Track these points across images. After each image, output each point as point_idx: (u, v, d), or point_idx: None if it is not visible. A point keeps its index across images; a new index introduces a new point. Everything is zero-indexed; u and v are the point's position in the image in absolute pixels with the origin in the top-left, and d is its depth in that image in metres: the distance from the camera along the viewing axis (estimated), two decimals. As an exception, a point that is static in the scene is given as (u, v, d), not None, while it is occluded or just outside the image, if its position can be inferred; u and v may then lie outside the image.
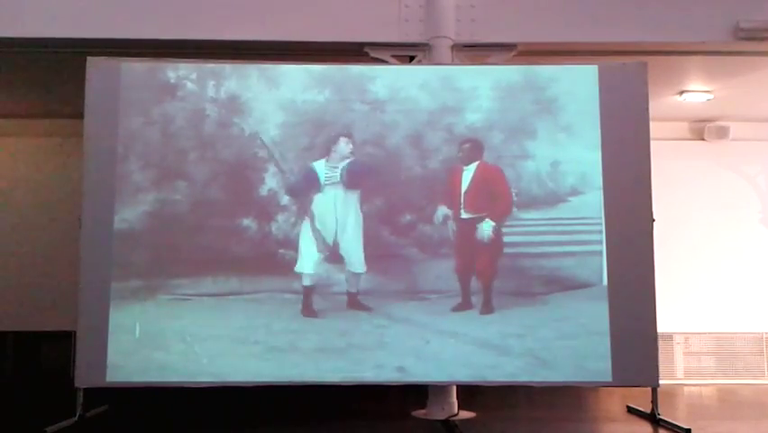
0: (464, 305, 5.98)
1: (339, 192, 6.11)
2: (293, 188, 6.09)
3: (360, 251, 6.05)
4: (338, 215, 6.09)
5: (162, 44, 6.33)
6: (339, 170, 6.10)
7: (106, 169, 6.02)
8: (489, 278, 6.02)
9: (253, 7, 6.39)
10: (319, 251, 6.05)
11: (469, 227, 6.10)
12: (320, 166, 6.12)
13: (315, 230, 6.07)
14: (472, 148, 6.15)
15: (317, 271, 6.02)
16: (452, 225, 6.08)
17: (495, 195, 6.13)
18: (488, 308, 5.97)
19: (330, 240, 6.07)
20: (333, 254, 6.05)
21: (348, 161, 6.11)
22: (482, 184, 6.13)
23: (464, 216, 6.11)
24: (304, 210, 6.08)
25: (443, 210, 6.08)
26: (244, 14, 6.37)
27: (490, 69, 6.32)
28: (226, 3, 6.40)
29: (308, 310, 5.95)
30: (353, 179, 6.10)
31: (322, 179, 6.10)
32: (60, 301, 7.94)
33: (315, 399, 6.64)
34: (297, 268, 6.01)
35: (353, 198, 6.10)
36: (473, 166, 6.14)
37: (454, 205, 6.11)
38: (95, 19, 6.29)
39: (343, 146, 6.12)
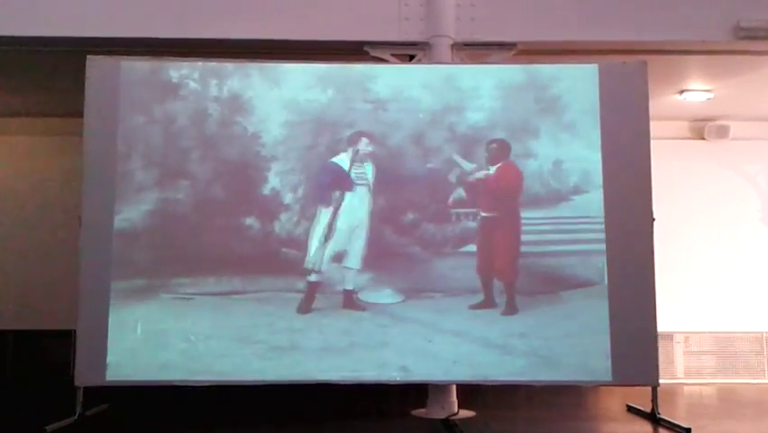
0: (487, 303, 5.98)
1: (365, 192, 6.10)
2: (315, 182, 6.08)
3: (360, 248, 6.04)
4: (361, 214, 6.08)
5: (162, 43, 6.32)
6: (367, 171, 6.10)
7: (106, 167, 6.01)
8: (511, 278, 6.02)
9: (253, 6, 6.39)
10: (332, 249, 6.04)
11: (487, 226, 6.10)
12: (345, 163, 6.12)
13: (333, 227, 6.06)
14: (498, 148, 6.15)
15: (325, 269, 6.02)
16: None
17: (506, 194, 6.15)
18: (511, 309, 5.97)
19: (346, 238, 6.06)
20: (340, 253, 6.06)
21: (371, 162, 6.11)
22: (498, 184, 6.13)
23: (483, 214, 6.12)
24: (325, 204, 6.08)
25: None
26: (244, 14, 6.38)
27: (492, 68, 6.32)
28: (227, 2, 6.40)
29: (305, 308, 5.94)
30: (382, 180, 6.10)
31: (353, 177, 6.10)
32: (61, 300, 7.91)
33: (315, 398, 6.63)
34: (307, 263, 6.01)
35: (370, 198, 6.11)
36: (496, 167, 6.15)
37: (479, 204, 6.13)
38: (95, 18, 6.29)
39: (365, 146, 6.11)
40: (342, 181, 6.10)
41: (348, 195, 6.10)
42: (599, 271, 5.99)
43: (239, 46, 6.43)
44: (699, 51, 6.77)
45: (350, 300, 5.98)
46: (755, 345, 8.63)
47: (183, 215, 6.04)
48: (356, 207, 6.09)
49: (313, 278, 5.99)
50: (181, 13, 6.35)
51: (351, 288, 6.00)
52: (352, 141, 6.12)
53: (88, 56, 6.08)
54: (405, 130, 6.15)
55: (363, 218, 6.07)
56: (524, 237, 6.07)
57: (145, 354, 5.82)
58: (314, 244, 6.03)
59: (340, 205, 6.08)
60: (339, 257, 6.04)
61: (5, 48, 6.59)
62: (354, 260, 6.03)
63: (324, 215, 6.07)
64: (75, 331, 5.97)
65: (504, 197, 6.14)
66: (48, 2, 6.31)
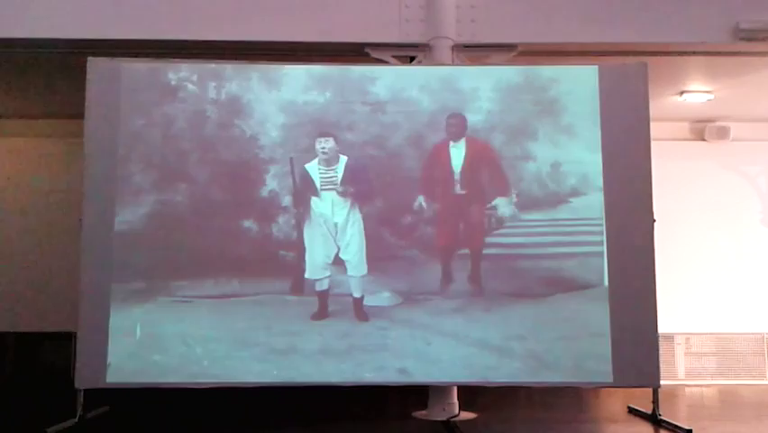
0: (445, 283, 5.97)
1: (336, 195, 6.07)
2: (296, 191, 6.06)
3: (361, 253, 6.03)
4: (336, 219, 6.06)
5: (163, 45, 6.33)
6: (335, 173, 6.07)
7: (107, 170, 6.01)
8: (478, 245, 6.00)
9: (254, 8, 6.38)
10: (324, 255, 6.03)
11: (462, 203, 6.10)
12: (312, 169, 6.08)
13: (314, 234, 6.05)
14: (461, 123, 6.13)
15: (325, 275, 6.01)
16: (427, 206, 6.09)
17: (492, 175, 6.13)
18: (476, 286, 5.95)
19: (331, 244, 6.05)
20: (335, 258, 6.04)
21: (344, 162, 6.08)
22: (478, 160, 6.11)
23: (459, 191, 6.11)
24: (304, 214, 6.07)
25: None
26: (245, 15, 6.37)
27: (491, 70, 6.31)
28: (227, 3, 6.41)
29: (322, 314, 5.94)
30: (350, 181, 6.06)
31: (317, 183, 6.07)
32: (61, 302, 7.94)
33: (315, 400, 6.64)
34: (307, 274, 6.00)
35: (350, 199, 6.08)
36: (462, 141, 6.13)
37: (446, 181, 6.10)
38: (96, 20, 6.29)
39: (318, 146, 6.07)
40: (308, 187, 6.07)
41: (316, 201, 6.07)
42: (599, 273, 5.98)
43: (241, 48, 6.43)
44: (699, 53, 6.76)
45: (358, 308, 5.96)
46: (756, 346, 8.61)
47: (181, 217, 6.04)
48: (331, 212, 6.06)
49: (317, 287, 5.99)
50: (183, 14, 6.35)
51: (358, 295, 5.99)
52: (314, 142, 6.09)
53: (89, 58, 6.08)
54: (403, 132, 6.14)
55: (346, 222, 6.05)
56: (523, 240, 6.05)
57: (145, 356, 5.81)
58: (306, 255, 6.02)
59: (313, 212, 6.06)
60: (333, 262, 6.02)
61: (6, 50, 6.61)
62: (359, 267, 6.02)
63: (307, 224, 6.06)
64: (75, 333, 5.97)
65: (482, 173, 6.13)
66: (49, 4, 6.31)
